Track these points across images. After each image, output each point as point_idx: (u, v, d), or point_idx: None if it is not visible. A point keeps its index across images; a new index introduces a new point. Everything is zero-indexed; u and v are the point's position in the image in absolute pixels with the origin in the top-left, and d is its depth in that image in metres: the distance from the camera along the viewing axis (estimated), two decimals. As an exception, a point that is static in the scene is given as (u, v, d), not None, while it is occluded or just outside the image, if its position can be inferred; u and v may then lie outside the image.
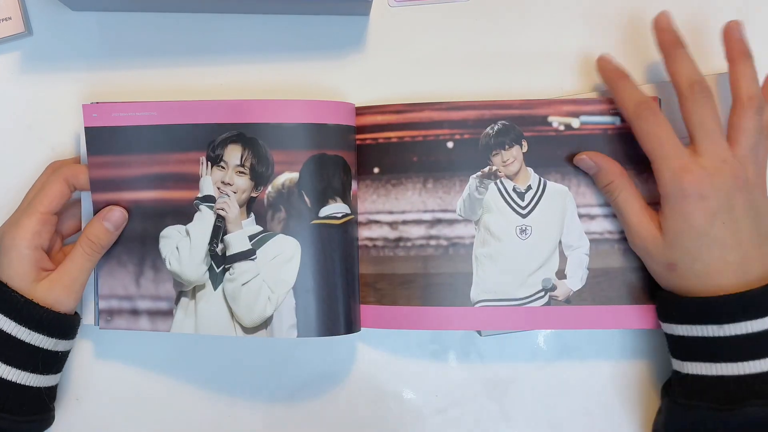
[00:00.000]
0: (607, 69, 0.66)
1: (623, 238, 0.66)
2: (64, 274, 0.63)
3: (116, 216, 0.65)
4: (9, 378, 0.61)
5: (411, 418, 0.70)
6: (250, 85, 0.71)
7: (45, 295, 0.62)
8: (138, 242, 0.67)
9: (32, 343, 0.62)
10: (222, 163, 0.65)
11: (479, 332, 0.69)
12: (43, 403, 0.64)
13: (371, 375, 0.71)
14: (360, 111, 0.68)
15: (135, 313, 0.67)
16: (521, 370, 0.70)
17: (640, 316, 0.66)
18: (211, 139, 0.65)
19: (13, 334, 0.61)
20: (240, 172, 0.65)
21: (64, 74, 0.70)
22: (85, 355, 0.70)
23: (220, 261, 0.66)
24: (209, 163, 0.65)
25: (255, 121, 0.65)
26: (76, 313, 0.66)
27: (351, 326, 0.66)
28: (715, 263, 0.59)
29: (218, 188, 0.65)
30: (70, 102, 0.70)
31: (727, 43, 0.64)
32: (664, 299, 0.63)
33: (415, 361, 0.71)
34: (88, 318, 0.67)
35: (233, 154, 0.65)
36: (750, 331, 0.57)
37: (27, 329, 0.61)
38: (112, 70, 0.71)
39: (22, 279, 0.62)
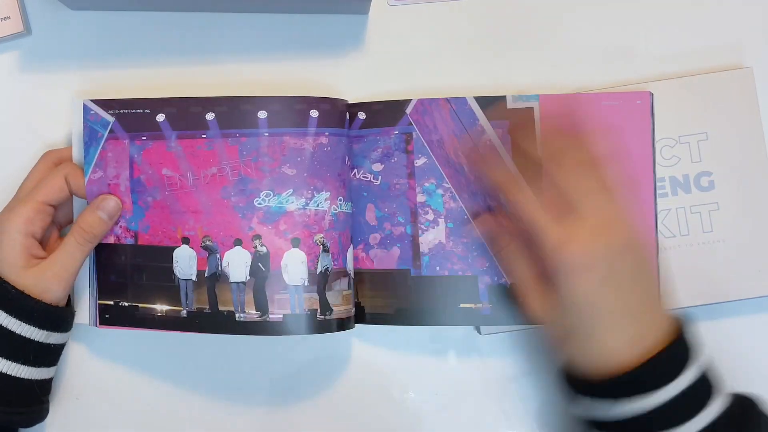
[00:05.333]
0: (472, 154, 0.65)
1: None
2: (55, 262, 0.63)
3: (111, 205, 0.65)
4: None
5: (411, 417, 0.70)
6: (250, 84, 0.71)
7: (34, 282, 0.62)
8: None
9: (23, 334, 0.62)
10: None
11: (479, 331, 0.69)
12: (35, 395, 0.64)
13: (371, 374, 0.71)
14: (353, 107, 0.68)
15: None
16: (521, 369, 0.70)
17: None
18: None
19: (4, 324, 0.61)
20: None
21: (63, 73, 0.71)
22: (85, 354, 0.70)
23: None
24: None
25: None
26: (69, 306, 0.66)
27: (343, 324, 0.66)
28: (607, 334, 0.57)
29: None
30: (69, 101, 0.70)
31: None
32: (563, 377, 0.62)
33: (415, 359, 0.71)
34: (84, 317, 0.67)
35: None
36: (644, 407, 0.55)
37: (18, 320, 0.61)
38: (110, 69, 0.71)
39: (11, 265, 0.62)
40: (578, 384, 0.60)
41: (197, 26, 0.71)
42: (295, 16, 0.71)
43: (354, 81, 0.71)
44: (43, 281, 0.62)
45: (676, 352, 0.57)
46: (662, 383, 0.55)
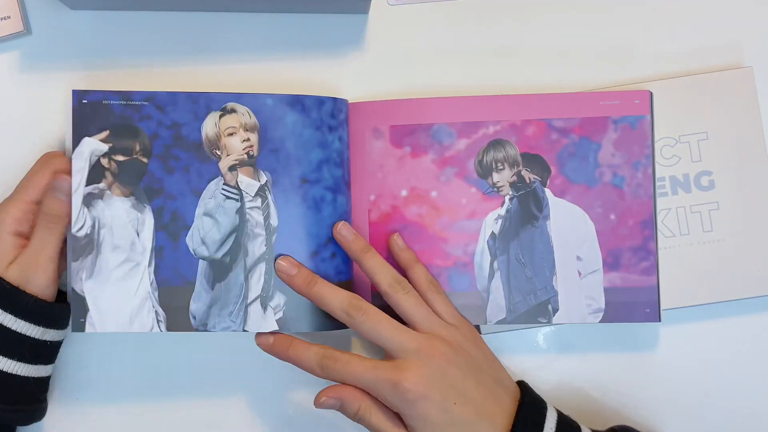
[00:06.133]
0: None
1: None
2: (28, 250, 0.63)
3: (63, 183, 0.64)
4: None
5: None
6: (250, 84, 0.71)
7: (16, 276, 0.62)
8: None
9: (19, 331, 0.61)
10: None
11: (479, 330, 0.69)
12: (33, 393, 0.64)
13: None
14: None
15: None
16: (521, 368, 0.70)
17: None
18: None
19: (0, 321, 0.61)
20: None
21: (63, 73, 0.70)
22: (85, 354, 0.70)
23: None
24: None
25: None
26: (66, 302, 0.66)
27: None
28: None
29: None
30: (69, 101, 0.69)
31: (346, 248, 0.65)
32: None
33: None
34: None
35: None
36: None
37: (13, 316, 0.61)
38: (110, 68, 0.71)
39: (1, 264, 0.62)
40: None
41: (197, 26, 0.71)
42: (295, 16, 0.71)
43: (354, 81, 0.71)
44: (22, 272, 0.62)
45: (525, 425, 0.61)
46: None
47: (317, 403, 0.62)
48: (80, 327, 0.64)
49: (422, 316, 0.63)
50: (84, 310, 0.64)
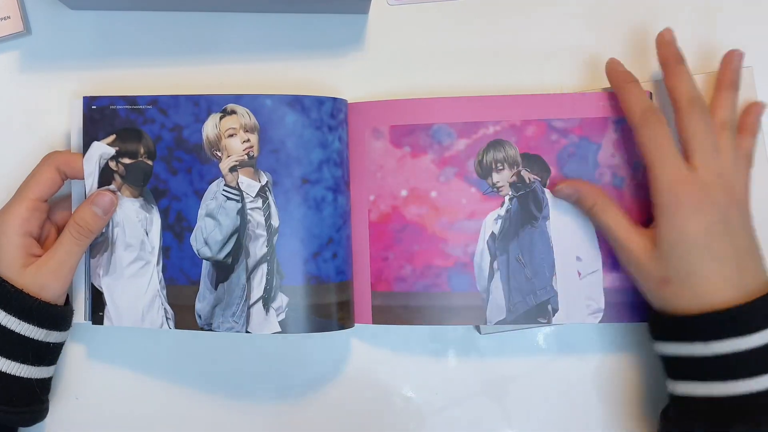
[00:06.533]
0: (615, 72, 0.65)
1: None
2: (51, 258, 0.63)
3: (106, 201, 0.64)
4: None
5: (411, 417, 0.70)
6: (250, 84, 0.71)
7: (32, 280, 0.62)
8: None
9: (22, 333, 0.61)
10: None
11: (479, 330, 0.69)
12: (35, 395, 0.64)
13: (371, 373, 0.70)
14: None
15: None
16: (521, 368, 0.70)
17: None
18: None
19: (3, 323, 0.61)
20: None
21: (63, 73, 0.71)
22: (85, 354, 0.70)
23: None
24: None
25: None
26: (68, 304, 0.66)
27: (343, 323, 0.66)
28: (711, 277, 0.58)
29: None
30: (69, 100, 0.70)
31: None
32: (654, 318, 0.62)
33: (414, 359, 0.71)
34: (80, 315, 0.67)
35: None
36: (738, 348, 0.56)
37: (17, 319, 0.61)
38: (110, 69, 0.71)
39: (10, 265, 0.62)
40: (672, 327, 0.60)
41: (197, 26, 0.71)
42: (295, 16, 0.71)
43: (354, 81, 0.71)
44: (40, 278, 0.62)
45: None
46: (760, 327, 0.56)
47: (555, 191, 0.65)
48: (99, 320, 0.66)
49: (709, 149, 0.61)
50: (102, 304, 0.66)
